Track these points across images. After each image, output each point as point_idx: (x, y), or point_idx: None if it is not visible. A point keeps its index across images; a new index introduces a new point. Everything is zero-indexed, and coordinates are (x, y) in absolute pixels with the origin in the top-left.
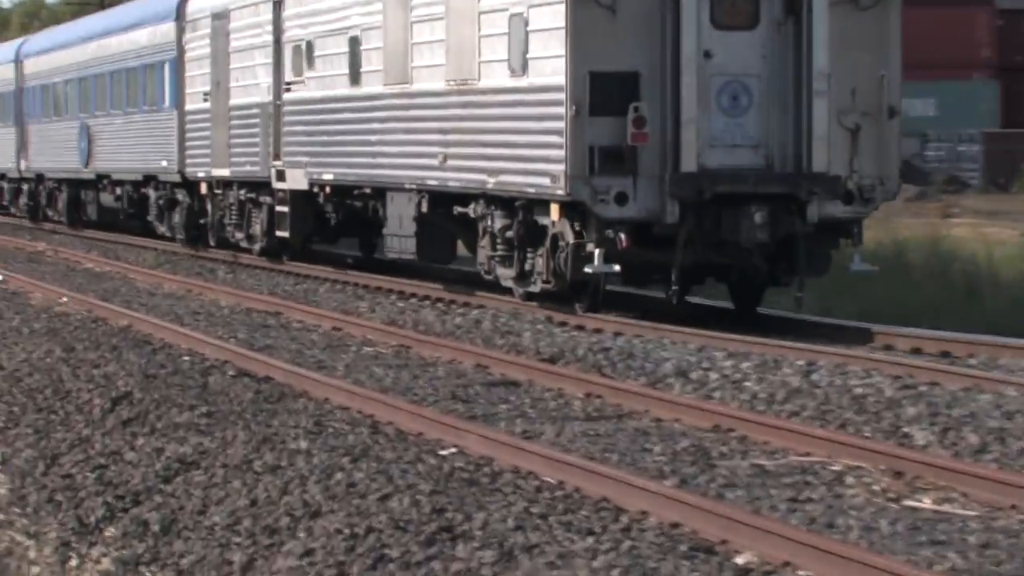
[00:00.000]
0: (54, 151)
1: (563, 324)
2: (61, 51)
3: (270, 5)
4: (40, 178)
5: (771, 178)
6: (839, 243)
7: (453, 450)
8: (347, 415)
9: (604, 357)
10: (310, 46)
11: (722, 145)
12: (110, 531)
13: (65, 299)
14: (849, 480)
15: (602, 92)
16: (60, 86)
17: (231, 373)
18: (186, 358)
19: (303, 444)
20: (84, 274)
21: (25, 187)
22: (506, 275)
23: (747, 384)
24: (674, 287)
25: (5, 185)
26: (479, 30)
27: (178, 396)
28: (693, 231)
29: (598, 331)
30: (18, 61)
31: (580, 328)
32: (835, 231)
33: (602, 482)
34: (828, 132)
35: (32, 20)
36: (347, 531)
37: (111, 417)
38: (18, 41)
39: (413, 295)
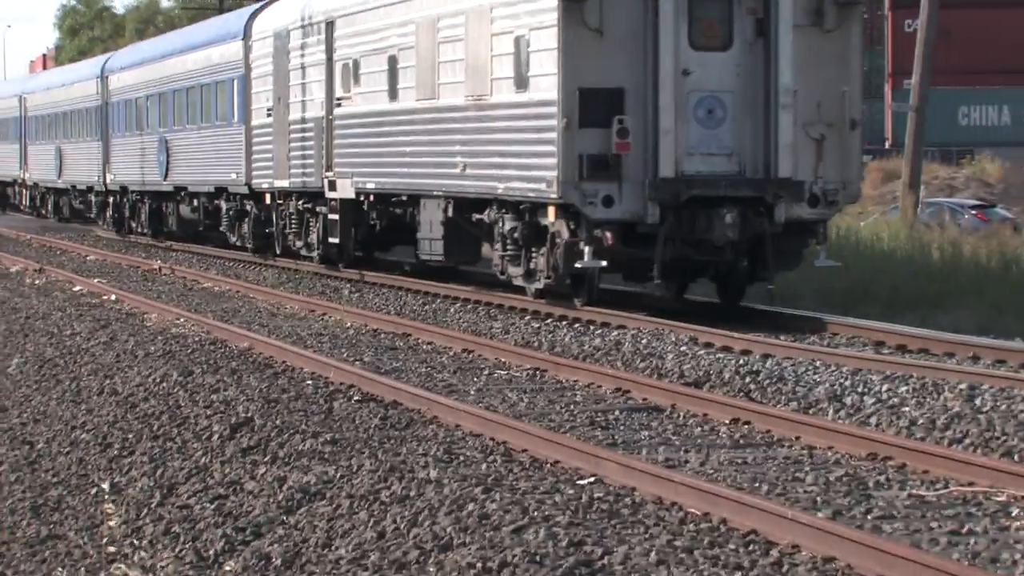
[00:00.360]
0: (136, 165)
1: (708, 345)
2: (142, 67)
3: (323, 25)
4: (124, 191)
5: (741, 183)
6: (808, 242)
7: (592, 479)
8: (479, 442)
9: (752, 381)
10: (356, 64)
11: (699, 153)
12: (230, 565)
13: (182, 319)
14: (1015, 512)
15: (590, 106)
16: (142, 101)
17: (356, 398)
18: (309, 382)
19: (433, 473)
20: (202, 293)
21: (110, 200)
22: (516, 273)
23: (905, 409)
24: (656, 281)
25: (92, 198)
26: (491, 50)
27: (301, 422)
28: (672, 230)
29: (746, 353)
30: (103, 77)
31: (727, 350)
32: (802, 231)
33: (750, 513)
34: (794, 141)
35: (147, 26)
36: (479, 565)
37: (231, 445)
38: (103, 57)
39: (549, 315)
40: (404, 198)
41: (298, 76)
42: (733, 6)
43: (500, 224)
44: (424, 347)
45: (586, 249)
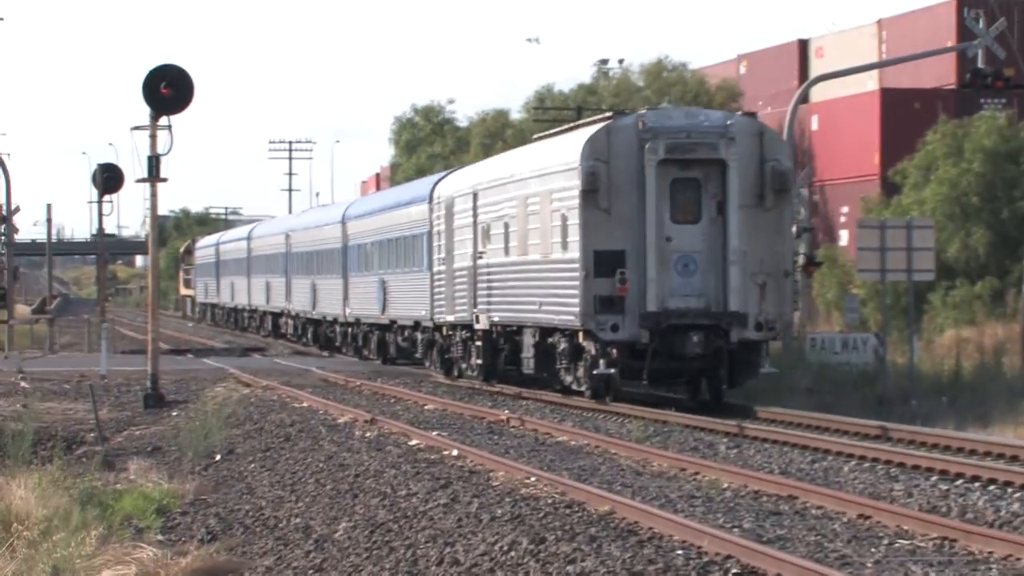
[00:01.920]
0: (366, 300)
1: None
2: (369, 217)
3: (471, 196)
4: (357, 322)
5: (705, 315)
6: (760, 359)
7: None
8: None
9: None
10: (487, 227)
11: (678, 295)
12: None
13: (532, 478)
14: None
15: (601, 263)
16: (368, 247)
17: (735, 571)
18: (679, 552)
19: None
20: (555, 448)
21: (348, 330)
22: (567, 379)
23: None
24: (644, 382)
25: (337, 328)
26: (551, 222)
27: None
28: (657, 347)
29: None
30: (344, 222)
31: None
32: (753, 349)
33: None
34: (742, 286)
35: (495, 141)
36: None
37: None
38: (344, 204)
39: (959, 475)
40: (514, 328)
41: (459, 234)
42: (701, 192)
43: (563, 346)
44: (813, 512)
45: (601, 361)
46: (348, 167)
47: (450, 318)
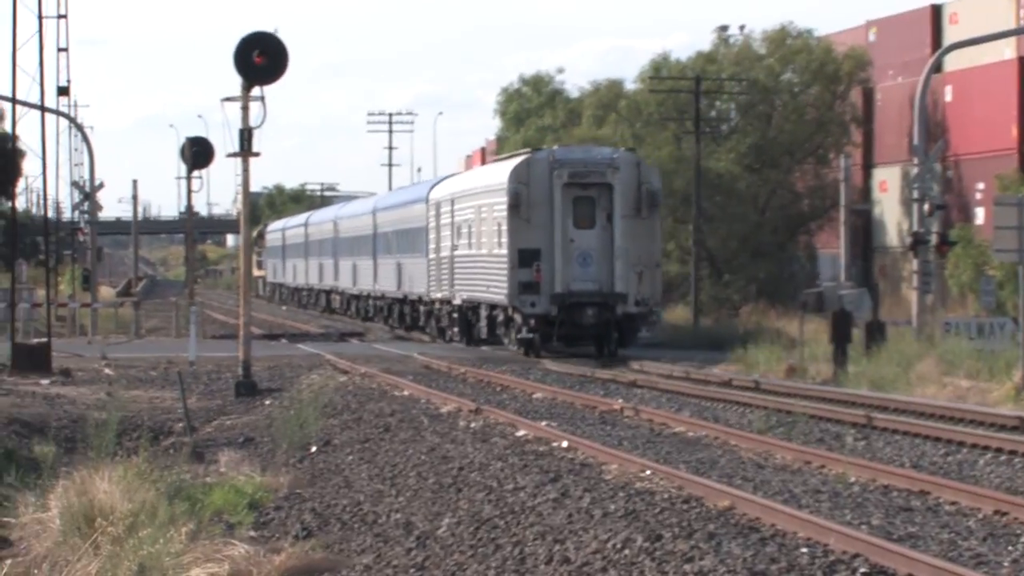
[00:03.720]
0: (388, 279)
1: None
2: (390, 211)
3: (451, 201)
4: (383, 296)
5: (597, 295)
6: (638, 327)
7: None
8: None
9: None
10: (459, 226)
11: (578, 280)
12: None
13: (648, 472)
14: None
15: (523, 255)
16: (389, 235)
17: (863, 570)
18: (804, 550)
19: None
20: (672, 440)
21: (377, 303)
22: (505, 340)
23: None
24: (555, 342)
25: (370, 302)
26: (492, 227)
27: None
28: (563, 318)
29: None
30: (374, 213)
31: None
32: (633, 320)
33: None
34: (624, 274)
35: (607, 112)
36: None
37: None
38: (374, 199)
39: None
40: (475, 304)
41: (443, 229)
42: (595, 207)
43: (500, 317)
44: (946, 508)
45: (524, 328)
46: (452, 141)
47: (439, 295)
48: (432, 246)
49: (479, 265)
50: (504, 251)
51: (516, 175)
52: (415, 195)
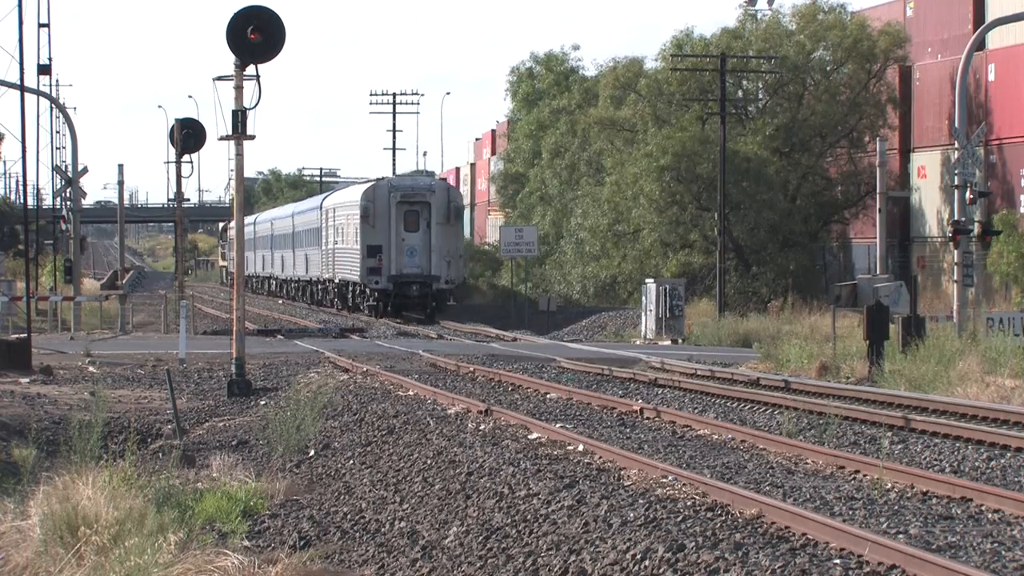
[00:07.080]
0: (300, 266)
1: None
2: (301, 215)
3: (332, 210)
4: (299, 280)
5: (419, 277)
6: (448, 298)
7: None
8: None
9: None
10: (335, 228)
11: (407, 267)
12: None
13: (670, 477)
14: None
15: (370, 249)
16: (302, 233)
17: None
18: (837, 562)
19: None
20: (696, 443)
21: (294, 285)
22: (362, 307)
23: None
24: (389, 309)
25: (293, 284)
26: (351, 229)
27: None
28: (397, 292)
29: None
30: (293, 216)
31: None
32: (444, 294)
33: None
34: (438, 263)
35: (626, 92)
36: None
37: None
38: (292, 205)
39: None
40: (346, 283)
41: (328, 230)
42: (419, 217)
43: (358, 291)
44: (989, 516)
45: (371, 299)
46: (460, 122)
47: (327, 276)
48: (324, 242)
49: (346, 255)
50: (359, 246)
51: (366, 195)
52: (315, 204)
